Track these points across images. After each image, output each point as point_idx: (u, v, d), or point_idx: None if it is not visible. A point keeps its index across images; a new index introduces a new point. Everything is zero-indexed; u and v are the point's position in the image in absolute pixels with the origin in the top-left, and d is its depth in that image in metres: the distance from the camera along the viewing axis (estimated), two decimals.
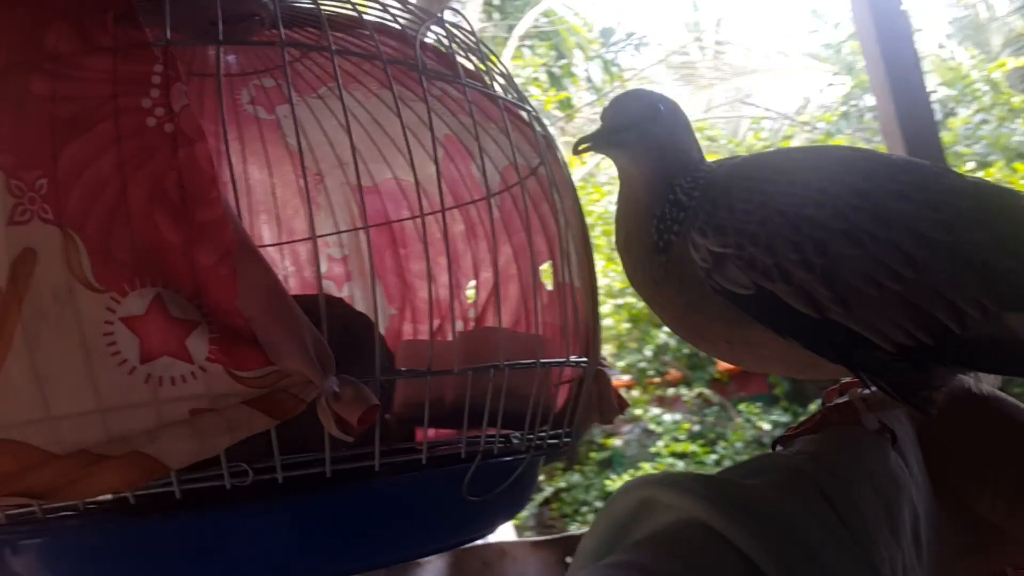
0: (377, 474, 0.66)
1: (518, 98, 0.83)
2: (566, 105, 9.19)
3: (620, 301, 6.34)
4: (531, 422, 0.75)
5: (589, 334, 0.89)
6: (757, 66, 9.43)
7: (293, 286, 1.23)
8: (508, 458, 0.73)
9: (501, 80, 0.84)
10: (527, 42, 9.16)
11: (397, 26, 0.94)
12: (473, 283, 1.16)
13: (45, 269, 0.58)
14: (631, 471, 5.93)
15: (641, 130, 0.72)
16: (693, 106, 8.83)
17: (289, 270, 1.23)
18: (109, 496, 0.62)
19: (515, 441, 0.72)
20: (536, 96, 8.74)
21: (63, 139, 0.59)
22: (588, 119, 9.30)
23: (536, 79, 9.07)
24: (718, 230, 0.66)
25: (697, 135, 0.76)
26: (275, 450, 0.61)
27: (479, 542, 2.00)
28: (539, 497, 6.53)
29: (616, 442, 6.56)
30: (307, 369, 0.58)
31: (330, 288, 1.22)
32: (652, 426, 6.18)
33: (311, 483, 0.63)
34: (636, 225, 0.72)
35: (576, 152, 0.73)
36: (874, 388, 0.66)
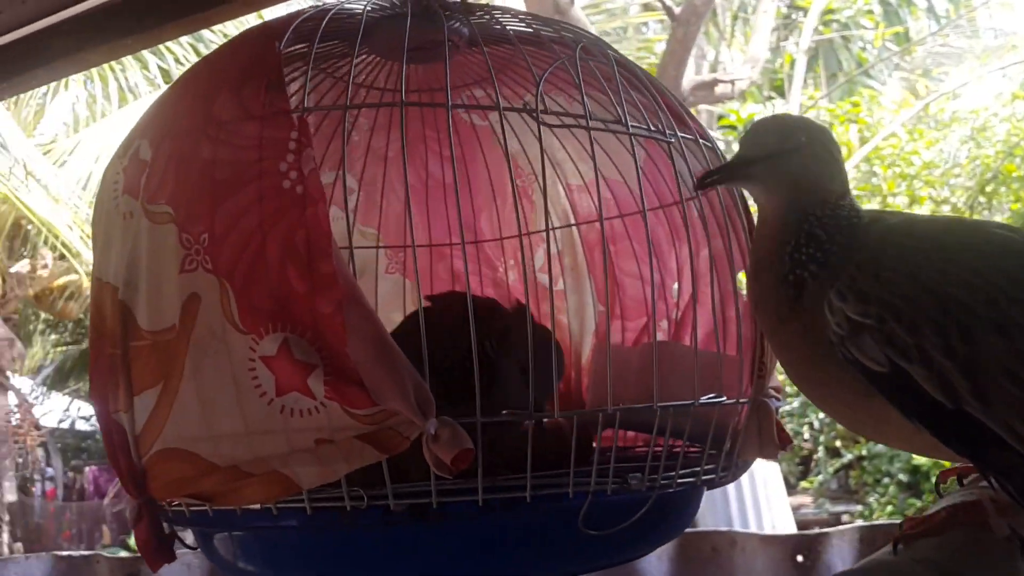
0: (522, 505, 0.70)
1: (660, 130, 0.81)
2: (902, 39, 8.45)
3: None
4: (656, 460, 0.76)
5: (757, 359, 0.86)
6: None
7: (513, 279, 1.28)
8: (640, 491, 0.74)
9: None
10: None
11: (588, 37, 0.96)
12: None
13: (206, 312, 0.69)
14: None
15: (772, 163, 0.69)
16: None
17: (509, 263, 1.29)
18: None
19: (633, 482, 0.72)
20: (865, 29, 8.11)
21: (220, 199, 0.68)
22: (929, 52, 8.47)
23: (869, 12, 8.42)
24: (860, 297, 0.62)
25: None
26: (386, 479, 0.67)
27: (710, 528, 1.98)
28: (837, 463, 6.24)
29: None
30: (406, 411, 0.64)
31: (545, 281, 1.27)
32: None
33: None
34: (768, 252, 0.70)
35: (700, 187, 0.73)
36: (999, 489, 0.60)
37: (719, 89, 4.26)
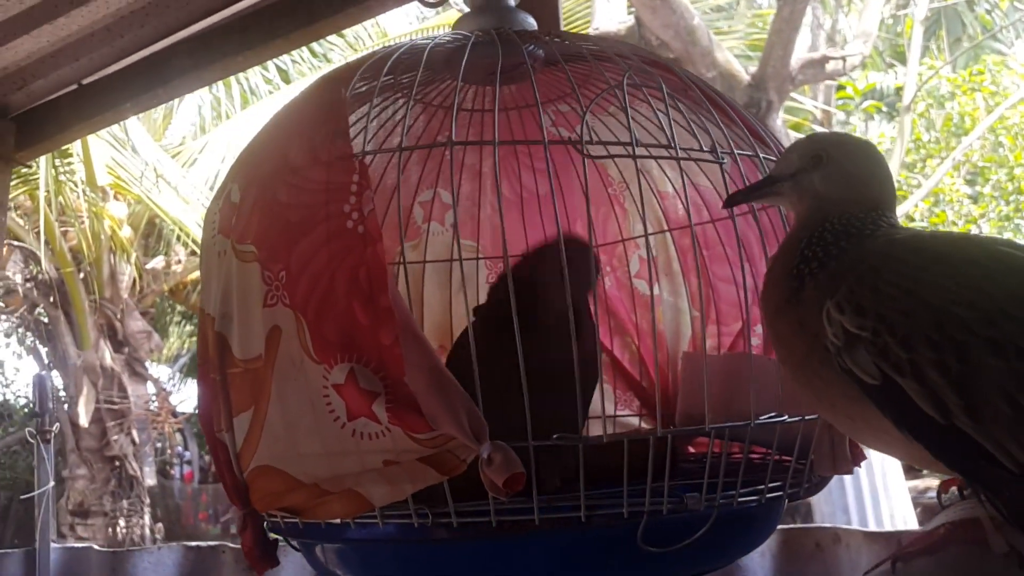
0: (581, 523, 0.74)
1: (712, 147, 0.82)
2: None
3: None
4: (718, 479, 0.77)
5: None
6: None
7: (609, 284, 1.31)
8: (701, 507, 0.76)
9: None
10: None
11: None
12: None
13: (286, 343, 0.75)
14: None
15: (795, 180, 0.73)
16: None
17: (605, 269, 1.32)
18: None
19: (689, 502, 0.74)
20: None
21: (295, 240, 0.74)
22: None
23: None
24: (857, 310, 0.63)
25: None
26: (448, 498, 0.72)
27: (814, 525, 1.95)
28: None
29: None
30: (460, 436, 0.69)
31: (641, 286, 1.29)
32: None
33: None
34: (785, 247, 0.74)
35: (728, 205, 0.78)
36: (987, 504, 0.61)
37: (829, 66, 4.13)
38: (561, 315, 0.74)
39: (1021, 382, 0.58)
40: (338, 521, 0.77)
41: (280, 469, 0.77)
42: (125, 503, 6.60)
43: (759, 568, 1.73)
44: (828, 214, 0.71)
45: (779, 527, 1.81)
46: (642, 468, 0.75)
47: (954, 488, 0.74)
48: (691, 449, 1.16)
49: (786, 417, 0.81)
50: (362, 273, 0.72)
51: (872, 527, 3.53)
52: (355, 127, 0.85)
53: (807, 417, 0.83)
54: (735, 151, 0.84)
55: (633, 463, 0.75)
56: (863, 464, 0.98)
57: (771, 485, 0.81)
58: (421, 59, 0.92)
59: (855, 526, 3.60)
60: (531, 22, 1.05)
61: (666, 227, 1.25)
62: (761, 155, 0.87)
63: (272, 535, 0.85)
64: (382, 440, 0.72)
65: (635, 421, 1.26)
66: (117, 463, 6.64)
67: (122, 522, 6.55)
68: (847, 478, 3.55)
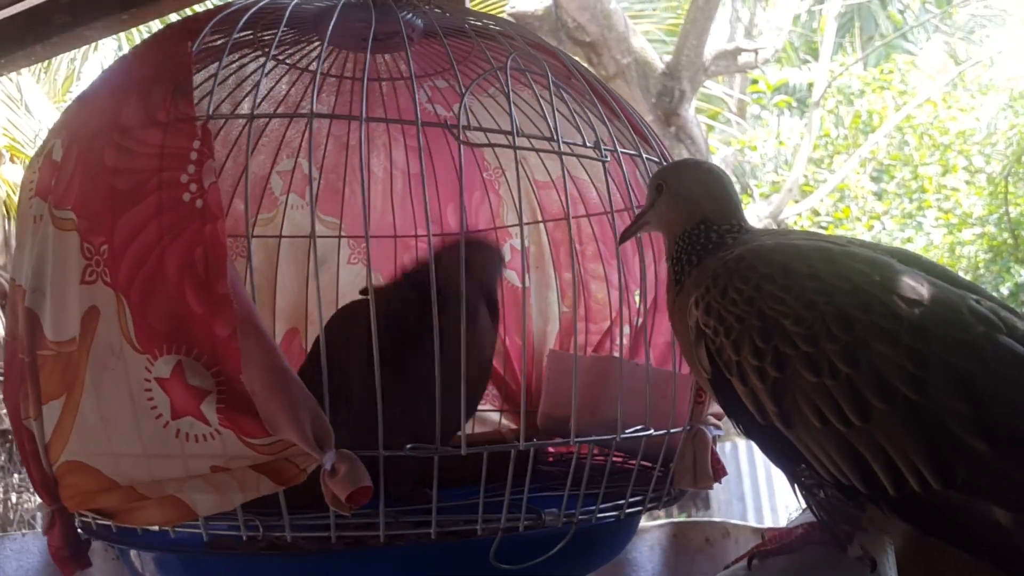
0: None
1: (596, 145, 0.77)
2: (944, 0, 8.18)
3: (980, 230, 5.65)
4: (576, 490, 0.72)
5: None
6: None
7: None
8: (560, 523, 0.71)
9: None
10: None
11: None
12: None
13: (105, 326, 0.66)
14: None
15: (653, 210, 0.78)
16: None
17: None
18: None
19: (548, 519, 0.69)
20: None
21: (120, 209, 0.65)
22: (971, 16, 8.20)
23: None
24: (707, 308, 0.67)
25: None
26: (283, 511, 0.64)
27: (704, 519, 1.94)
28: None
29: None
30: (301, 443, 0.61)
31: (511, 278, 1.22)
32: None
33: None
34: (667, 255, 0.78)
35: (620, 242, 0.82)
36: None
37: (742, 58, 4.14)
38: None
39: (831, 401, 0.60)
40: (156, 528, 0.69)
41: (93, 467, 0.68)
42: (16, 479, 6.30)
43: (647, 562, 1.70)
44: (678, 230, 0.75)
45: (670, 520, 1.80)
46: (499, 472, 0.70)
47: None
48: (551, 449, 1.11)
49: (652, 431, 0.77)
50: (198, 254, 0.63)
51: (767, 516, 3.58)
52: (204, 86, 0.76)
53: (672, 430, 0.79)
54: (618, 149, 0.79)
55: (491, 467, 0.70)
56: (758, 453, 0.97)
57: (632, 500, 0.77)
58: (284, 15, 0.83)
59: (750, 514, 3.65)
60: None
61: (541, 218, 1.20)
62: (644, 155, 0.82)
63: (83, 535, 0.76)
64: (210, 443, 0.63)
65: (495, 416, 1.21)
66: (10, 437, 6.33)
67: (13, 498, 6.26)
68: (744, 468, 3.60)
